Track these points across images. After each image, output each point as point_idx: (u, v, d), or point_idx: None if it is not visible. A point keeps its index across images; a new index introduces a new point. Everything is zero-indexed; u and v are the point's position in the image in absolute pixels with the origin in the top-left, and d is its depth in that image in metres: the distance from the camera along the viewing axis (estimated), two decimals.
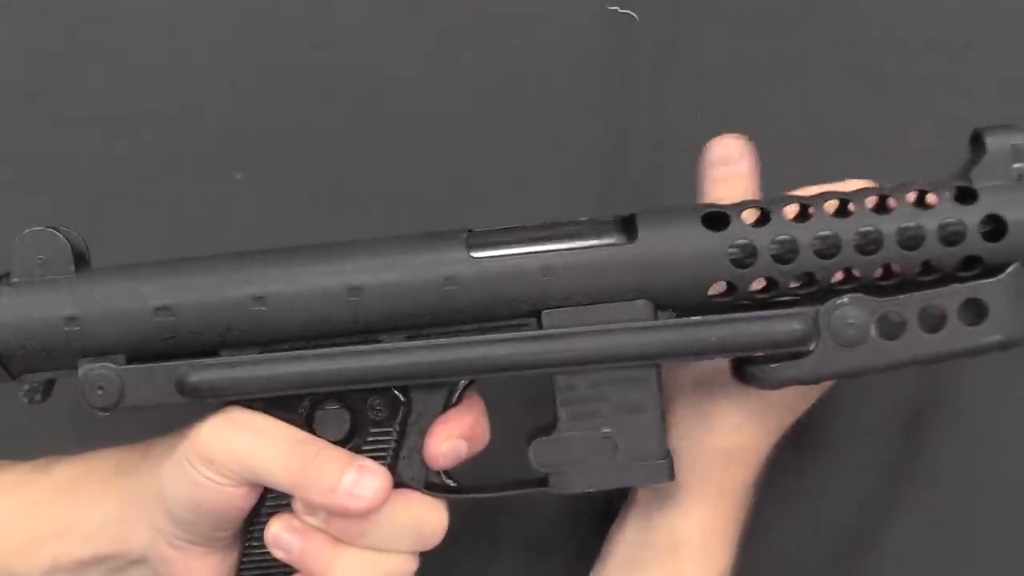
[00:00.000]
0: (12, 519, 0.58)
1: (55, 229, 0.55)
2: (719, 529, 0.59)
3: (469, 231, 0.55)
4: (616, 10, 0.68)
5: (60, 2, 0.69)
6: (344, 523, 0.54)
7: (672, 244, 0.53)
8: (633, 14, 0.68)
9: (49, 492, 0.58)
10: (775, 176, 0.62)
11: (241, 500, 0.55)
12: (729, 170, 0.59)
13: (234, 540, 0.57)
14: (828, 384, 0.59)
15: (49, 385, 0.56)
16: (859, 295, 0.53)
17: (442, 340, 0.54)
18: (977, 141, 0.54)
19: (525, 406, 0.58)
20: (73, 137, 0.69)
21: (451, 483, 0.57)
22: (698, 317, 0.54)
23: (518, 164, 0.68)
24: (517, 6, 0.69)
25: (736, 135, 0.59)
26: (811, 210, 0.54)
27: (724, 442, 0.59)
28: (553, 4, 0.69)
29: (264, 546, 0.56)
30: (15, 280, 0.55)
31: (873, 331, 0.53)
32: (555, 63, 0.68)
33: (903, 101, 0.68)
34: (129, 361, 0.55)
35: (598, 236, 0.54)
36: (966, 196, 0.53)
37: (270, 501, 0.56)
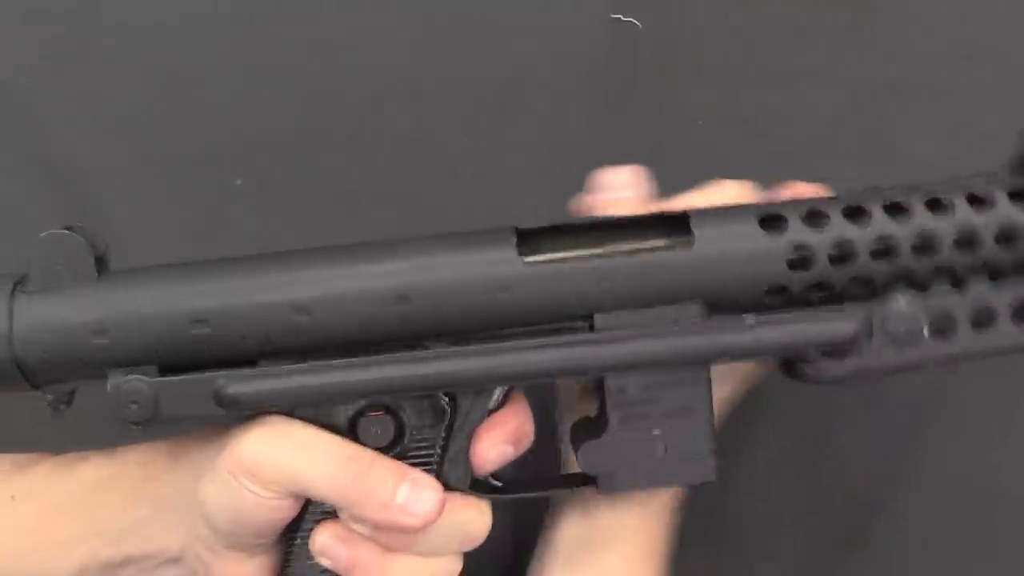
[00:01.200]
0: (37, 523, 0.56)
1: (73, 230, 0.52)
2: (650, 529, 0.59)
3: (517, 230, 0.53)
4: (619, 18, 0.68)
5: (60, 2, 0.68)
6: (394, 534, 0.53)
7: (729, 247, 0.52)
8: (636, 22, 0.68)
9: (77, 495, 0.56)
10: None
11: (285, 511, 0.53)
12: (614, 196, 0.58)
13: (274, 545, 0.56)
14: (752, 382, 0.59)
15: (73, 393, 0.53)
16: (912, 294, 0.53)
17: (491, 346, 0.52)
18: None
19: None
20: (73, 141, 0.67)
21: (496, 483, 0.56)
22: (751, 318, 0.53)
23: (520, 170, 0.68)
24: (520, 13, 0.68)
25: (630, 167, 0.58)
26: (867, 210, 0.53)
27: None
28: (556, 11, 0.68)
29: (307, 554, 0.54)
30: (31, 288, 0.51)
31: (926, 329, 0.53)
32: (558, 70, 0.68)
33: (906, 107, 0.68)
34: (161, 371, 0.52)
35: (651, 236, 0.53)
36: (1020, 196, 0.53)
37: (313, 508, 0.54)
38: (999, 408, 0.68)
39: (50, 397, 0.53)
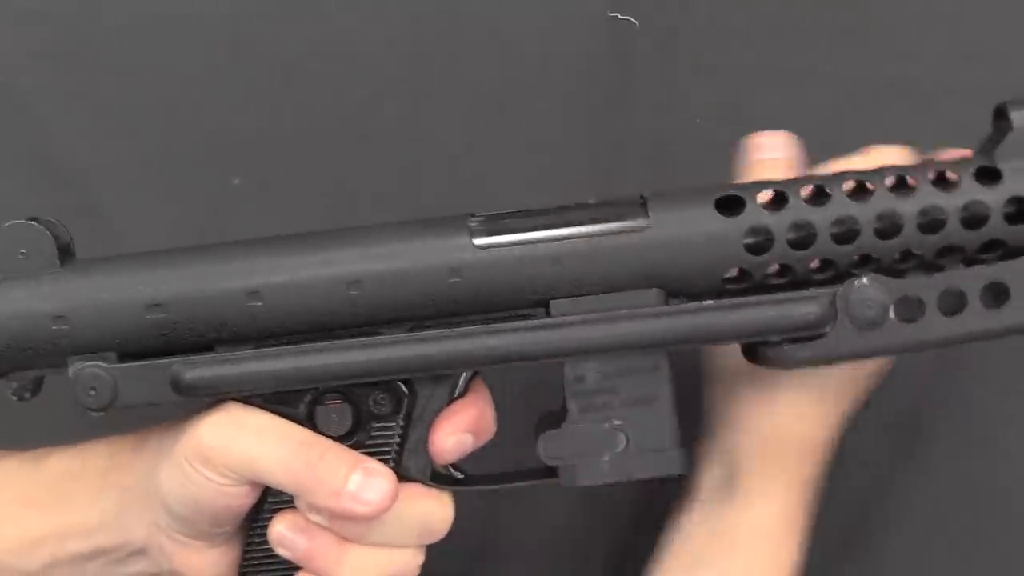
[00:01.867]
0: (6, 516, 0.57)
1: (37, 221, 0.53)
2: (787, 521, 0.58)
3: (472, 215, 0.52)
4: (617, 16, 0.67)
5: (60, 2, 0.67)
6: (350, 523, 0.53)
7: (685, 230, 0.51)
8: (633, 20, 0.67)
9: (42, 488, 0.57)
10: None
11: (242, 499, 0.53)
12: (769, 156, 0.57)
13: (236, 534, 0.56)
14: (890, 360, 0.58)
15: (39, 381, 0.54)
16: (878, 276, 0.52)
17: (447, 331, 0.52)
18: (1001, 116, 0.52)
19: (531, 392, 0.57)
20: (73, 141, 0.67)
21: (457, 474, 0.55)
22: (710, 302, 0.52)
23: (518, 169, 0.67)
24: (518, 12, 0.67)
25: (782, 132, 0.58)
26: (828, 190, 0.51)
27: (789, 431, 0.57)
28: (554, 10, 0.67)
29: (267, 543, 0.54)
30: None
31: (891, 313, 0.52)
32: (556, 68, 0.67)
33: (905, 107, 0.67)
34: (121, 358, 0.52)
35: (607, 220, 0.52)
36: (989, 176, 0.51)
37: (272, 497, 0.54)
38: (999, 408, 0.67)
39: (14, 385, 0.53)
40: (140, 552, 0.57)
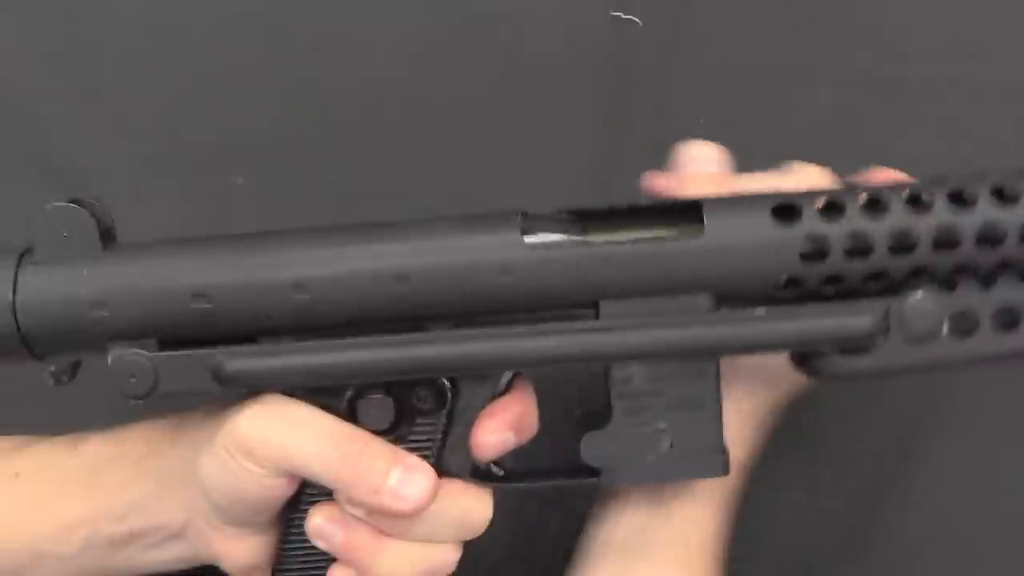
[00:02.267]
0: (42, 501, 0.56)
1: (79, 203, 0.52)
2: (707, 533, 0.57)
3: (524, 214, 0.52)
4: (619, 16, 0.66)
5: (60, 2, 0.67)
6: (388, 518, 0.52)
7: (739, 237, 0.51)
8: (636, 19, 0.67)
9: (79, 473, 0.56)
10: None
11: (280, 490, 0.53)
12: (702, 168, 0.57)
13: (274, 523, 0.55)
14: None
15: (76, 366, 0.53)
16: (933, 290, 0.51)
17: (494, 330, 0.51)
18: None
19: (573, 391, 0.56)
20: (73, 141, 0.67)
21: (498, 471, 0.55)
22: (762, 310, 0.51)
23: (520, 168, 0.67)
24: (520, 11, 0.67)
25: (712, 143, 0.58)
26: (884, 200, 0.50)
27: None
28: (556, 9, 0.67)
29: (303, 534, 0.54)
30: (39, 258, 0.52)
31: (945, 328, 0.51)
32: (558, 68, 0.67)
33: (906, 107, 0.67)
34: (161, 345, 0.52)
35: (661, 223, 0.51)
36: None
37: (311, 489, 0.54)
38: (999, 408, 0.67)
39: (52, 368, 0.53)
40: (177, 536, 0.56)
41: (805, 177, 0.56)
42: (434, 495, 0.52)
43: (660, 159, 0.64)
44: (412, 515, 0.52)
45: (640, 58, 0.67)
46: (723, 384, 0.53)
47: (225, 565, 0.57)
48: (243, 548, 0.56)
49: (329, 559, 0.54)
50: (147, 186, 0.66)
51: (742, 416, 0.57)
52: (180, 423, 0.56)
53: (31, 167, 0.67)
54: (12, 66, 0.67)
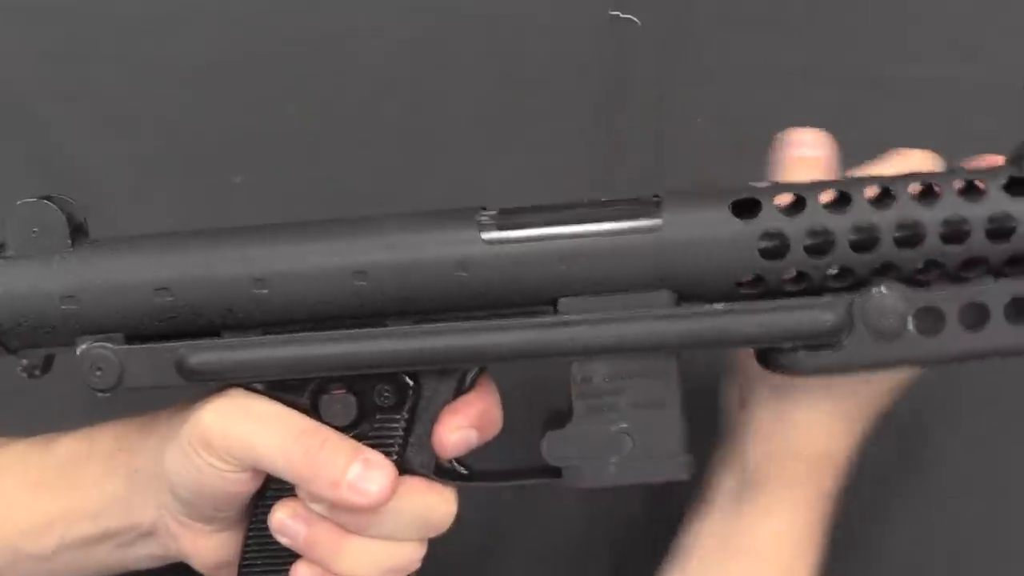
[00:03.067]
0: (16, 499, 0.57)
1: (50, 200, 0.53)
2: (800, 534, 0.57)
3: (482, 209, 0.52)
4: (618, 15, 0.66)
5: (60, 2, 0.67)
6: (350, 513, 0.53)
7: (697, 232, 0.50)
8: (635, 19, 0.66)
9: (52, 471, 0.57)
10: None
11: (244, 485, 0.53)
12: (809, 153, 0.56)
13: (241, 518, 0.56)
14: (911, 374, 0.56)
15: (48, 360, 0.54)
16: (897, 286, 0.50)
17: (452, 325, 0.51)
18: None
19: (539, 389, 0.56)
20: (72, 139, 0.67)
21: (461, 470, 0.55)
22: (722, 305, 0.51)
23: (518, 168, 0.67)
24: (518, 10, 0.67)
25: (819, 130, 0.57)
26: (849, 195, 0.50)
27: (805, 445, 0.56)
28: (555, 9, 0.67)
29: (268, 530, 0.54)
30: (9, 254, 0.53)
31: (911, 324, 0.50)
32: (556, 67, 0.67)
33: (906, 106, 0.66)
34: (128, 340, 0.53)
35: (619, 219, 0.51)
36: (1018, 187, 0.49)
37: (275, 484, 0.54)
38: (999, 408, 0.66)
39: (24, 362, 0.54)
40: (148, 534, 0.57)
41: (908, 162, 0.55)
42: (393, 490, 0.52)
43: (658, 158, 0.65)
44: (371, 510, 0.52)
45: (638, 57, 0.67)
46: (825, 384, 0.53)
47: (194, 562, 0.57)
48: (211, 545, 0.56)
49: (292, 556, 0.54)
50: (146, 185, 0.67)
51: (843, 416, 0.56)
52: (151, 420, 0.57)
53: (31, 167, 0.68)
54: (12, 66, 0.68)
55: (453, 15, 0.67)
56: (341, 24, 0.67)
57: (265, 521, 0.54)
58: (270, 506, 0.54)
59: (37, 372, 0.54)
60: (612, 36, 0.66)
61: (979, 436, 0.66)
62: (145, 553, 0.58)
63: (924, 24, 0.66)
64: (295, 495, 0.54)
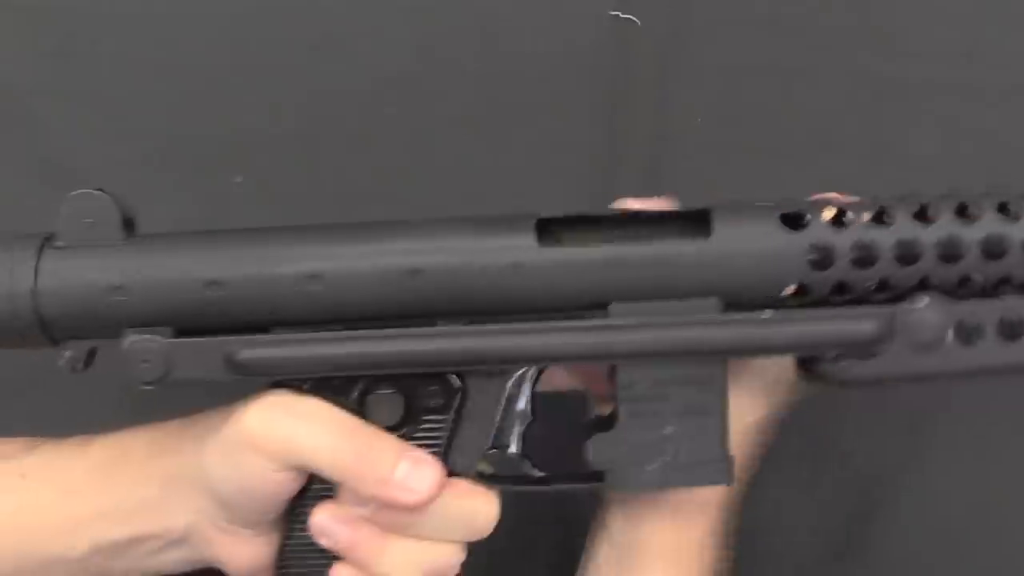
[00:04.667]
0: (49, 502, 0.57)
1: (103, 191, 0.53)
2: (698, 543, 0.57)
3: (538, 216, 0.53)
4: (618, 15, 0.67)
5: (60, 2, 0.68)
6: (394, 514, 0.53)
7: (748, 243, 0.52)
8: (635, 19, 0.67)
9: (86, 475, 0.57)
10: (776, 181, 0.63)
11: (287, 485, 0.53)
12: None
13: (279, 522, 0.55)
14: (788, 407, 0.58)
15: (91, 353, 0.54)
16: (938, 298, 0.52)
17: (502, 325, 0.52)
18: None
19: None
20: (71, 140, 0.67)
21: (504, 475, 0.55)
22: (768, 313, 0.52)
23: (519, 168, 0.68)
24: (519, 11, 0.68)
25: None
26: (892, 212, 0.52)
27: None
28: (555, 9, 0.68)
29: (307, 532, 0.54)
30: (60, 243, 0.53)
31: (950, 336, 0.52)
32: (556, 67, 0.68)
33: (905, 106, 0.67)
34: (177, 334, 0.53)
35: (671, 228, 0.53)
36: None
37: (316, 484, 0.54)
38: (999, 409, 0.67)
39: (67, 354, 0.53)
40: (181, 540, 0.56)
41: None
42: (440, 490, 0.52)
43: (658, 158, 0.66)
44: (418, 508, 0.52)
45: (639, 57, 0.67)
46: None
47: (228, 567, 0.57)
48: (247, 550, 0.56)
49: (332, 558, 0.54)
50: (146, 185, 0.65)
51: (744, 429, 0.57)
52: (188, 423, 0.57)
53: (31, 167, 0.68)
54: (12, 66, 0.68)
55: (453, 15, 0.68)
56: (341, 24, 0.68)
57: (304, 523, 0.54)
58: (310, 508, 0.54)
59: (79, 366, 0.54)
60: (612, 36, 0.67)
61: (979, 436, 0.67)
62: (176, 558, 0.57)
63: (924, 24, 0.67)
64: (335, 497, 0.54)
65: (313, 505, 0.54)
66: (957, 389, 0.66)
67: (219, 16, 0.68)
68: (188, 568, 0.58)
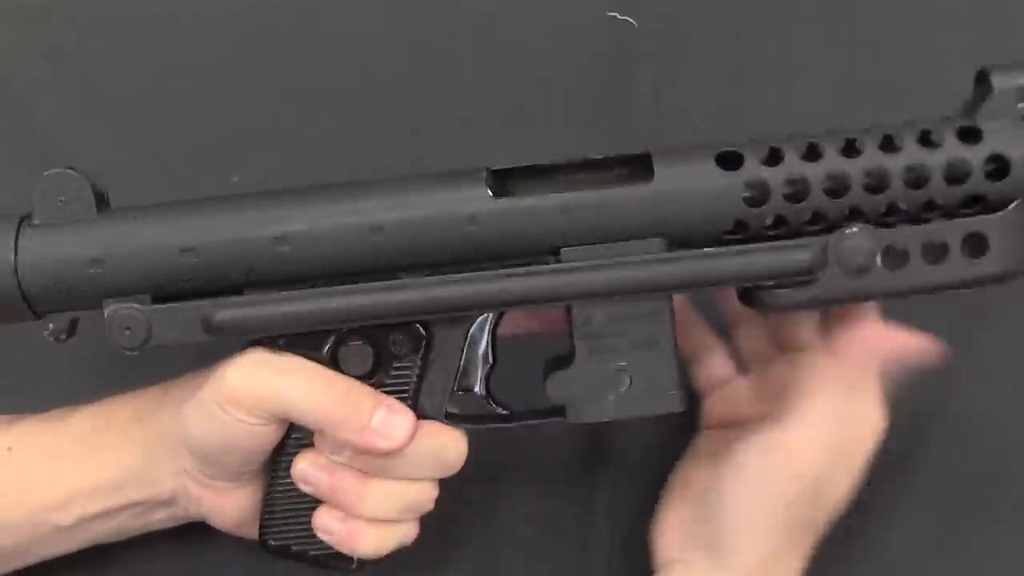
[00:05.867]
0: (35, 472, 0.59)
1: (74, 170, 0.56)
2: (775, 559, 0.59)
3: (488, 169, 0.56)
4: (615, 16, 0.68)
5: (60, 2, 0.69)
6: (371, 458, 0.56)
7: (687, 184, 0.55)
8: (632, 20, 0.68)
9: (70, 443, 0.59)
10: None
11: (269, 436, 0.56)
12: None
13: (260, 473, 0.59)
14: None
15: (73, 324, 0.57)
16: (866, 226, 0.55)
17: (462, 275, 0.55)
18: (982, 80, 0.55)
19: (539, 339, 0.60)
20: (71, 139, 0.69)
21: (467, 413, 0.58)
22: (710, 248, 0.55)
23: None
24: (517, 12, 0.69)
25: None
26: (820, 148, 0.55)
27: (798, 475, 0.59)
28: (552, 10, 0.69)
29: (290, 480, 0.57)
30: (37, 222, 0.55)
31: (878, 261, 0.55)
32: (554, 68, 0.69)
33: (905, 107, 0.65)
34: (154, 301, 0.55)
35: (614, 174, 0.56)
36: (970, 135, 0.55)
37: (295, 434, 0.57)
38: (998, 409, 0.68)
39: (50, 326, 0.56)
40: (168, 502, 0.60)
41: None
42: (414, 432, 0.56)
43: None
44: (394, 453, 0.55)
45: (636, 59, 0.69)
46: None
47: (215, 521, 0.60)
48: (232, 503, 0.59)
49: (315, 502, 0.57)
50: (144, 185, 0.64)
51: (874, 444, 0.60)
52: (166, 388, 0.60)
53: (30, 167, 0.65)
54: (12, 66, 0.69)
55: (453, 16, 0.69)
56: (340, 24, 0.69)
57: (286, 472, 0.57)
58: (291, 457, 0.57)
59: (63, 336, 0.56)
60: (610, 37, 0.68)
61: (978, 437, 0.68)
62: (163, 517, 0.61)
63: (924, 24, 0.68)
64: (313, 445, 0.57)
65: (293, 455, 0.57)
66: (957, 388, 0.67)
67: (217, 17, 0.69)
68: (174, 524, 0.61)
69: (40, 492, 0.59)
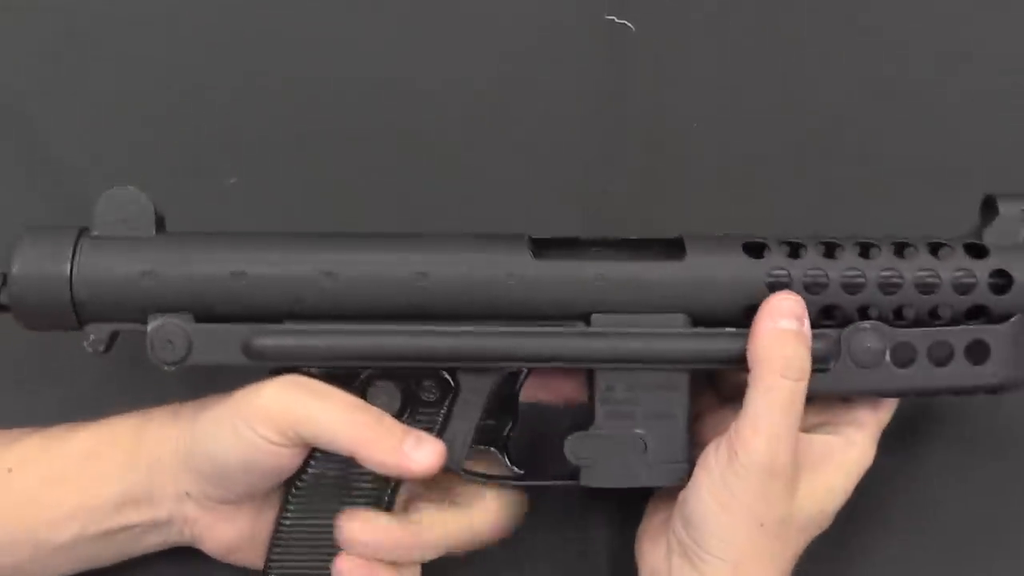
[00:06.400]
0: (34, 494, 0.59)
1: (138, 189, 0.58)
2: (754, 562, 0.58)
3: (529, 237, 0.59)
4: (613, 20, 0.69)
5: (60, 2, 0.70)
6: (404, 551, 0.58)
7: (715, 267, 0.59)
8: (630, 24, 0.69)
9: (72, 464, 0.60)
10: (772, 185, 0.68)
11: (288, 460, 0.57)
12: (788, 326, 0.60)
13: (263, 501, 0.60)
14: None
15: (113, 337, 0.58)
16: (878, 323, 0.59)
17: (493, 327, 0.58)
18: (990, 205, 0.60)
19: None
20: (68, 139, 0.69)
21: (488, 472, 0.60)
22: (731, 329, 0.59)
23: (514, 172, 0.70)
24: (514, 15, 0.70)
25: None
26: (838, 251, 0.59)
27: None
28: (550, 14, 0.70)
29: (304, 507, 0.59)
30: (96, 234, 0.58)
31: (887, 357, 0.59)
32: (552, 71, 0.70)
33: (905, 107, 0.69)
34: (197, 320, 0.57)
35: (648, 252, 0.59)
36: (977, 252, 0.59)
37: (314, 461, 0.59)
38: (996, 410, 0.68)
39: (92, 337, 0.58)
40: (164, 524, 0.60)
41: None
42: (443, 459, 0.57)
43: (653, 161, 0.68)
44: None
45: (634, 63, 0.70)
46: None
47: (207, 546, 0.61)
48: (228, 528, 0.60)
49: (328, 543, 0.58)
50: (143, 185, 0.62)
51: (858, 477, 0.60)
52: (175, 410, 0.61)
53: (28, 167, 0.69)
54: (11, 66, 0.69)
55: (452, 16, 0.70)
56: (337, 24, 0.70)
57: (296, 506, 0.59)
58: (306, 483, 0.59)
59: (101, 348, 0.58)
60: (607, 41, 0.69)
61: (976, 438, 0.68)
62: (156, 541, 0.61)
63: (924, 24, 0.69)
64: (335, 480, 0.59)
65: (304, 487, 0.59)
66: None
67: (215, 17, 0.70)
68: (165, 548, 0.61)
69: (36, 513, 0.59)
